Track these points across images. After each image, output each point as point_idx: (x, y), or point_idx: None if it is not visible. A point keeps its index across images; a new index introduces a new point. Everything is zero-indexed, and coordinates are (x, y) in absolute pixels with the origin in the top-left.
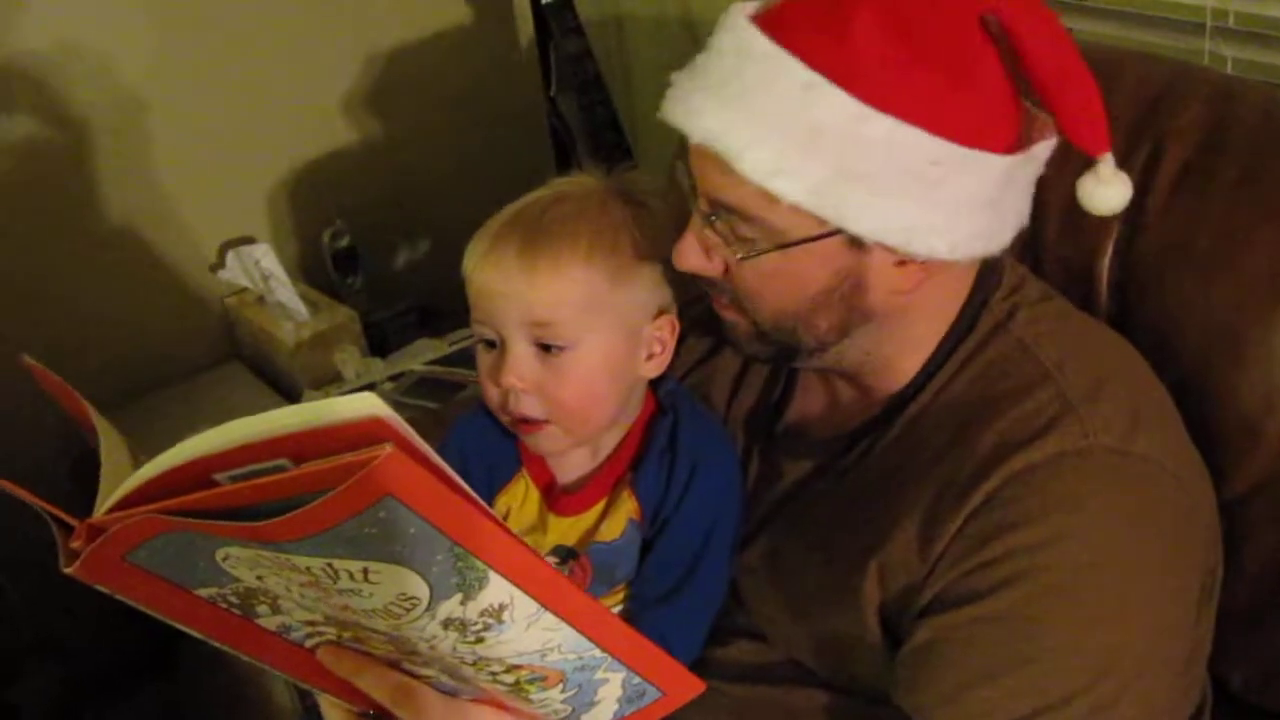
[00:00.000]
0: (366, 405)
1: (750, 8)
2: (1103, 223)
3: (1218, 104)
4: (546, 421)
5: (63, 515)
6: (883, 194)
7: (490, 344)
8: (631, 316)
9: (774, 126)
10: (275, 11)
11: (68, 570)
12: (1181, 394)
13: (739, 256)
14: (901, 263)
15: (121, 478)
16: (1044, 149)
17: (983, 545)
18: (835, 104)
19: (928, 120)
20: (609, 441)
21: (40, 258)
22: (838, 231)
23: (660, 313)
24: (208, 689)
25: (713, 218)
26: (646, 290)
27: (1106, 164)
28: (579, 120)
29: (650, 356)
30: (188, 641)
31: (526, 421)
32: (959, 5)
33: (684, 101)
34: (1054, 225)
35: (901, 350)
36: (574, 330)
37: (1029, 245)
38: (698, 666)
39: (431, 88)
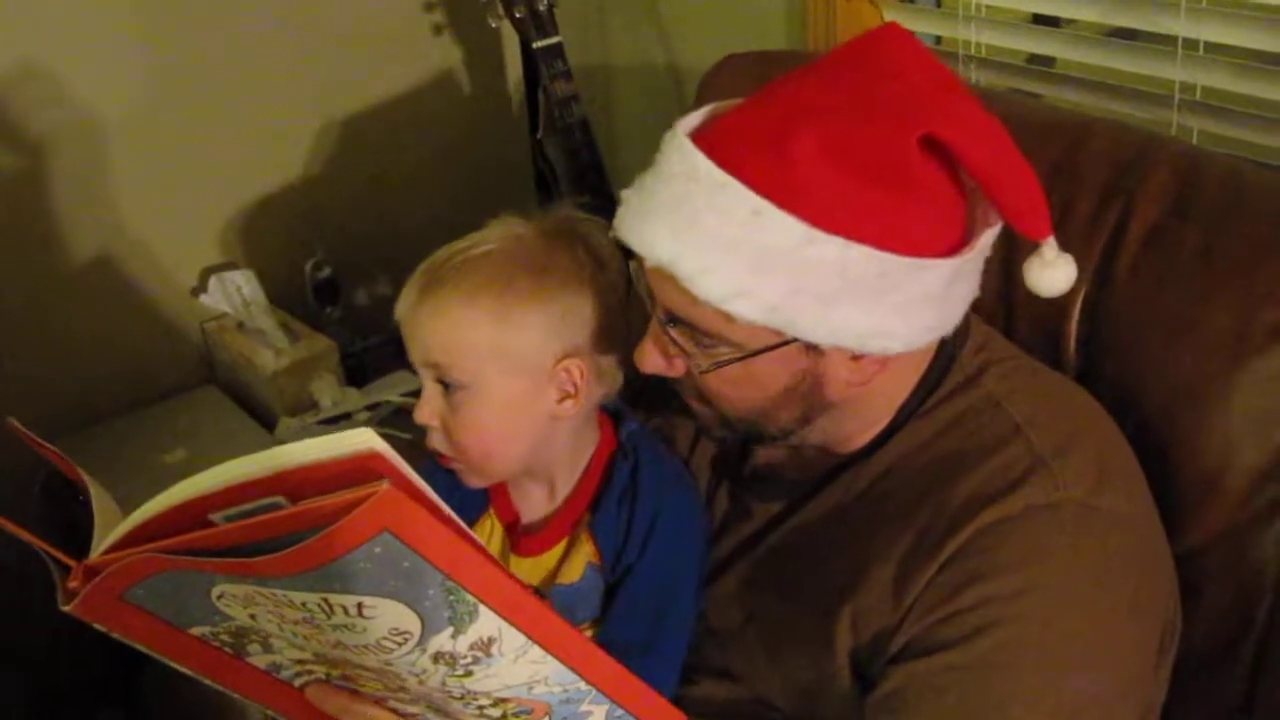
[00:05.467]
0: (365, 440)
1: (692, 123)
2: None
3: (1184, 172)
4: (455, 458)
5: (61, 556)
6: (835, 306)
7: None
8: (528, 359)
9: (726, 252)
10: (268, 44)
11: (65, 609)
12: (1144, 447)
13: (700, 370)
14: (857, 358)
15: (114, 523)
16: (989, 236)
17: (955, 594)
18: (784, 228)
19: (874, 237)
20: (567, 480)
21: (21, 276)
22: (795, 340)
23: (567, 355)
24: (171, 713)
25: (670, 325)
26: (544, 332)
27: (1050, 247)
28: (564, 163)
29: (564, 398)
30: (152, 665)
31: (442, 456)
32: (896, 123)
33: (636, 228)
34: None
35: (862, 425)
36: (467, 371)
37: (1001, 302)
38: None
39: (419, 125)
